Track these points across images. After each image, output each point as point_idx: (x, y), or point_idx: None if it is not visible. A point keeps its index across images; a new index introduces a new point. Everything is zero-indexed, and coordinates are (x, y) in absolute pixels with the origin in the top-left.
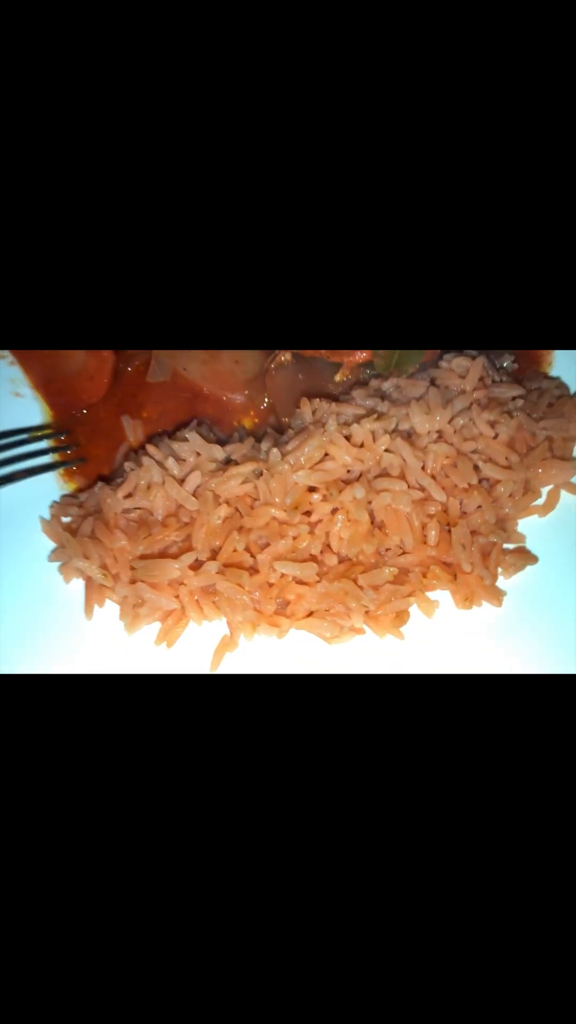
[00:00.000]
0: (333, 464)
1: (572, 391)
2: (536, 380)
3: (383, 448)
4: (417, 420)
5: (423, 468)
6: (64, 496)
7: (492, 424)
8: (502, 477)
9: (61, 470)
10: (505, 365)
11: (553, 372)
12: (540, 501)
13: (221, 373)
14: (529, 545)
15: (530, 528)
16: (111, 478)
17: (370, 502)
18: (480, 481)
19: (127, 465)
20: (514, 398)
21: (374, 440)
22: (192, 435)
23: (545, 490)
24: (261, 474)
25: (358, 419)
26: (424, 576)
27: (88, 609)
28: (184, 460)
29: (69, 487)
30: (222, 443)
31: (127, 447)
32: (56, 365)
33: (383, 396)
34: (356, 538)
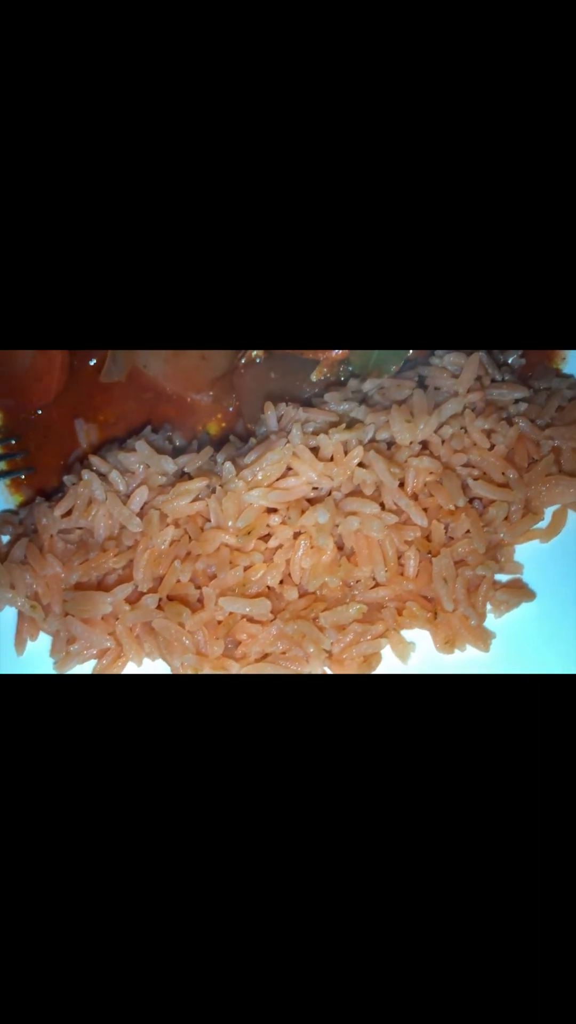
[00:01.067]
0: (296, 481)
1: None
2: (546, 378)
3: (356, 462)
4: (397, 429)
5: (402, 486)
6: (3, 511)
7: (488, 433)
8: (496, 497)
9: (7, 480)
10: (510, 361)
11: (567, 368)
12: (543, 524)
13: (185, 371)
14: (528, 576)
15: (530, 556)
16: (57, 491)
17: (337, 526)
18: (472, 501)
19: (67, 479)
20: (517, 401)
21: (345, 453)
22: (140, 444)
23: (550, 511)
24: (214, 491)
25: (329, 428)
26: (399, 614)
27: (18, 643)
28: (133, 473)
29: (16, 499)
30: (181, 452)
31: (79, 455)
32: (3, 363)
33: (364, 399)
34: (318, 569)
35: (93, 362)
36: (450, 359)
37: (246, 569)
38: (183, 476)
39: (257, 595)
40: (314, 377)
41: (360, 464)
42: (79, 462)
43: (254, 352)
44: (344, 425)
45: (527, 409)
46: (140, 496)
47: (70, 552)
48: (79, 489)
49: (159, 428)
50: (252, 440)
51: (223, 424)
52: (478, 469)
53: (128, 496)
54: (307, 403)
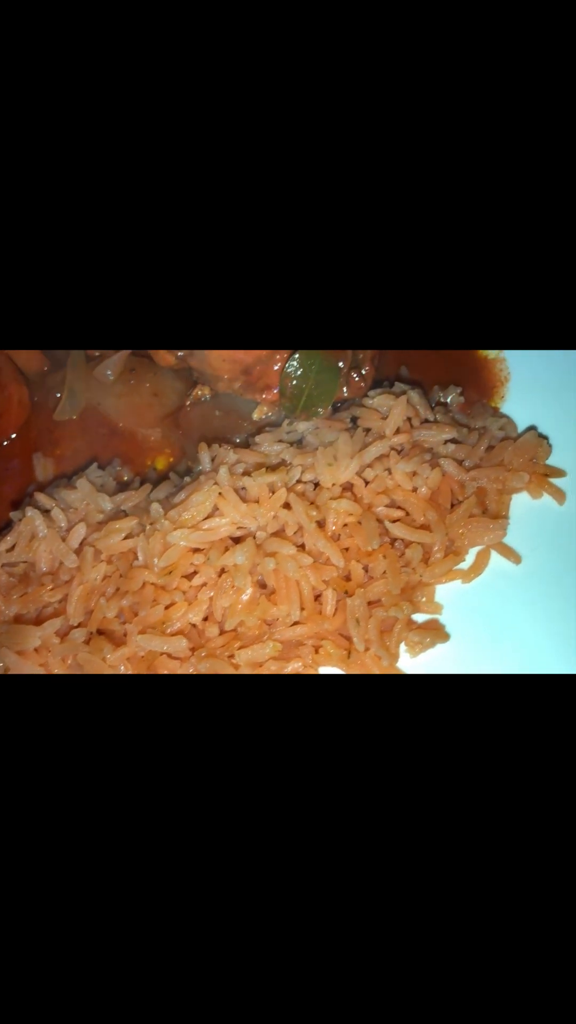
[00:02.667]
0: (220, 521)
1: (520, 430)
2: (482, 417)
3: (280, 504)
4: (320, 471)
5: (323, 527)
6: None
7: (412, 475)
8: (414, 539)
9: None
10: (449, 400)
11: (505, 407)
12: (466, 564)
13: (137, 407)
14: (448, 617)
15: (452, 596)
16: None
17: (257, 565)
18: (394, 542)
19: (14, 515)
20: (446, 442)
21: (273, 493)
22: (81, 483)
23: (475, 550)
24: (145, 529)
25: (259, 469)
26: (316, 651)
27: None
28: (76, 510)
29: None
30: (128, 486)
31: (34, 489)
32: None
33: (300, 439)
34: (236, 608)
35: (60, 394)
36: (379, 400)
37: (168, 607)
38: (120, 514)
39: (178, 632)
40: (256, 416)
41: (286, 504)
42: (30, 496)
43: (200, 391)
44: (269, 467)
45: (455, 450)
46: (78, 533)
47: (12, 585)
48: (22, 525)
49: (108, 463)
50: (186, 479)
51: (171, 459)
52: (402, 510)
53: (68, 532)
54: (245, 443)
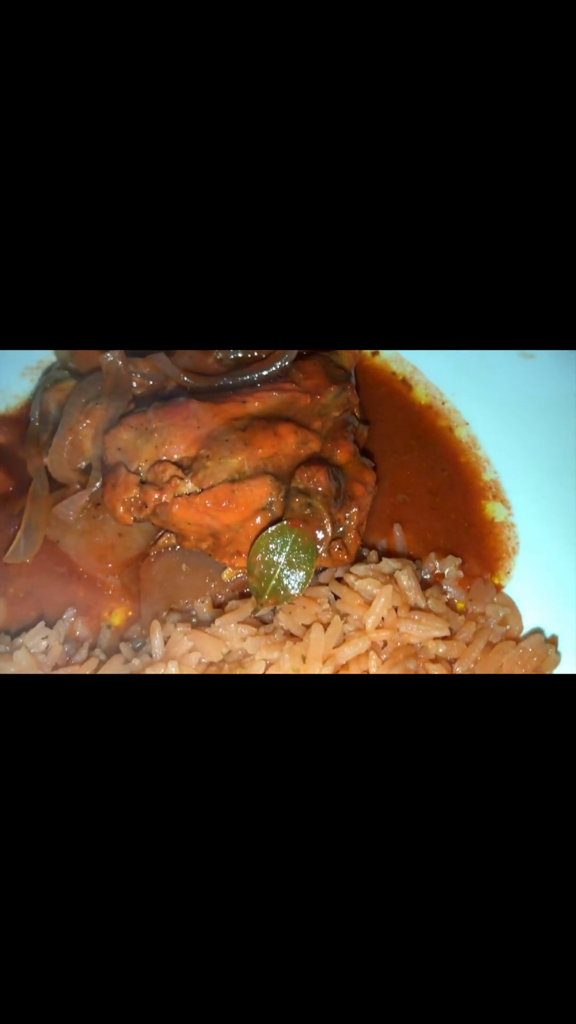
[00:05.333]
0: None
1: (525, 617)
2: (482, 599)
3: None
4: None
5: None
6: None
7: None
8: None
9: None
10: (447, 571)
11: (509, 587)
12: None
13: (99, 547)
14: None
15: None
16: None
17: None
18: None
19: None
20: (436, 639)
21: None
22: (18, 654)
23: None
24: None
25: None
26: None
27: None
28: None
29: None
30: (75, 647)
31: None
32: None
33: (271, 614)
34: None
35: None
36: (361, 584)
37: None
38: None
39: None
40: (226, 577)
41: None
42: None
43: (166, 539)
44: (229, 658)
45: (447, 649)
46: None
47: None
48: None
49: (61, 614)
50: (136, 661)
51: (129, 613)
52: None
53: None
54: (209, 615)
